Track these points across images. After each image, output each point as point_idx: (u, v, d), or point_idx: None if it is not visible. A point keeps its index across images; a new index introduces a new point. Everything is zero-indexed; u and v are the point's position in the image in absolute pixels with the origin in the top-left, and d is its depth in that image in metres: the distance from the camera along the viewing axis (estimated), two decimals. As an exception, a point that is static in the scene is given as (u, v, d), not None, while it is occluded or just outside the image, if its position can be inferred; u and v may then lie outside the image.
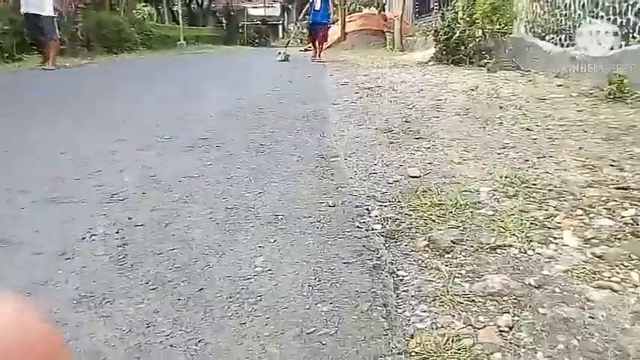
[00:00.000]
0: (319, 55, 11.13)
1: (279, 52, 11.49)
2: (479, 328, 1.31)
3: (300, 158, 2.94)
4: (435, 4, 12.98)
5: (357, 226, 1.92)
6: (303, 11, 12.08)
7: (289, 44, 12.80)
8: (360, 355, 1.16)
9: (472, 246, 1.73)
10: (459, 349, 1.22)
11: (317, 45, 11.39)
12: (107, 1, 17.63)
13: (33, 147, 3.29)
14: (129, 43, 16.43)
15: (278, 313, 1.33)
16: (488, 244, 1.73)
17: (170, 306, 1.38)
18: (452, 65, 8.01)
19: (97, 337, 1.24)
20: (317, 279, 1.51)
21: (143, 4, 25.85)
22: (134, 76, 9.33)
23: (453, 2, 9.47)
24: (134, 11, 20.23)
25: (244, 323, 1.29)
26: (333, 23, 14.87)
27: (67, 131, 3.84)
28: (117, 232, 1.86)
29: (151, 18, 26.06)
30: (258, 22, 37.50)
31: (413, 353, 1.20)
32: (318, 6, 10.53)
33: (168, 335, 1.25)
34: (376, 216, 2.04)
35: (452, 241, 1.77)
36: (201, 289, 1.46)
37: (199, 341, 1.22)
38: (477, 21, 7.58)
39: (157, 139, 3.46)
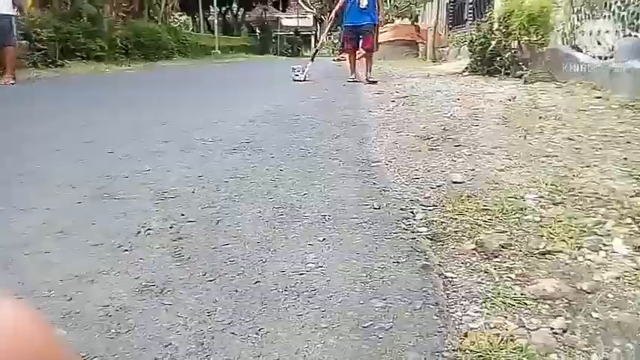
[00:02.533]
0: (368, 70, 7.81)
1: (296, 69, 8.36)
2: (532, 330, 1.32)
3: (342, 162, 2.98)
4: (469, 15, 12.92)
5: (404, 228, 1.94)
6: (335, 9, 8.02)
7: (316, 56, 8.94)
8: (417, 350, 1.18)
9: (521, 250, 1.73)
10: (514, 349, 1.22)
11: (354, 57, 8.12)
12: (146, 10, 18.12)
13: (81, 146, 3.42)
14: (165, 51, 16.86)
15: (333, 307, 1.36)
16: (537, 249, 1.73)
17: (228, 297, 1.42)
18: (487, 76, 7.94)
19: (160, 323, 1.29)
20: (368, 276, 1.54)
21: (179, 13, 26.45)
22: (171, 83, 9.57)
23: (488, 13, 9.42)
24: (171, 20, 20.71)
25: (301, 315, 1.33)
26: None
27: (112, 132, 3.98)
28: (171, 227, 1.92)
29: (186, 27, 26.65)
30: (291, 32, 37.95)
31: (468, 351, 1.22)
32: (364, 2, 7.31)
33: (228, 324, 1.29)
34: (421, 219, 2.06)
35: (500, 245, 1.77)
36: (256, 282, 1.51)
37: (259, 330, 1.26)
38: (513, 32, 7.52)
39: (199, 141, 3.56)
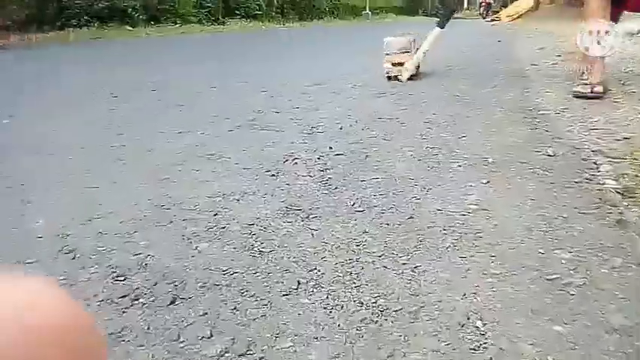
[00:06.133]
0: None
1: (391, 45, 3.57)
2: None
3: (502, 109, 2.65)
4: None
5: (587, 179, 1.61)
6: None
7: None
8: (623, 314, 0.92)
9: None
10: None
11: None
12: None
13: (236, 85, 3.48)
14: (318, 10, 17.00)
15: (505, 253, 1.14)
16: None
17: (378, 229, 1.27)
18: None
19: (305, 247, 1.18)
20: (548, 225, 1.27)
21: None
22: (323, 38, 9.61)
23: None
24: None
25: (465, 257, 1.12)
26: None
27: (267, 77, 4.01)
28: (318, 159, 1.81)
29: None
30: (444, -10, 36.12)
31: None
32: None
33: (380, 256, 1.14)
34: (607, 171, 1.71)
35: None
36: (410, 218, 1.33)
37: (415, 267, 1.09)
38: None
39: (348, 85, 3.42)
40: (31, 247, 1.15)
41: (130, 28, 7.79)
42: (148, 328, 0.87)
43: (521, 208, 1.38)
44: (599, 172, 1.71)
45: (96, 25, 8.16)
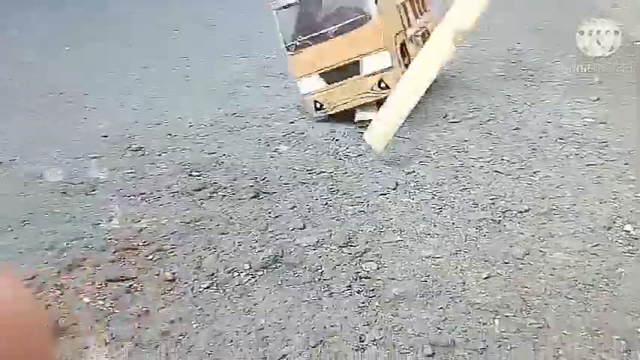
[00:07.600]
0: None
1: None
2: None
3: (596, 41, 2.38)
4: None
5: None
6: None
7: None
8: None
9: None
10: None
11: None
12: None
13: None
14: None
15: (641, 161, 0.96)
16: None
17: (481, 137, 1.11)
18: None
19: (397, 153, 1.03)
20: (687, 137, 1.07)
21: None
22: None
23: None
24: None
25: (594, 164, 0.95)
26: None
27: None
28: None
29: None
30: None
31: None
32: None
33: (488, 161, 0.98)
34: None
35: None
36: (516, 129, 1.17)
37: (534, 172, 0.93)
38: None
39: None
40: (96, 145, 1.06)
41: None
42: (231, 219, 0.75)
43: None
44: None
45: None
